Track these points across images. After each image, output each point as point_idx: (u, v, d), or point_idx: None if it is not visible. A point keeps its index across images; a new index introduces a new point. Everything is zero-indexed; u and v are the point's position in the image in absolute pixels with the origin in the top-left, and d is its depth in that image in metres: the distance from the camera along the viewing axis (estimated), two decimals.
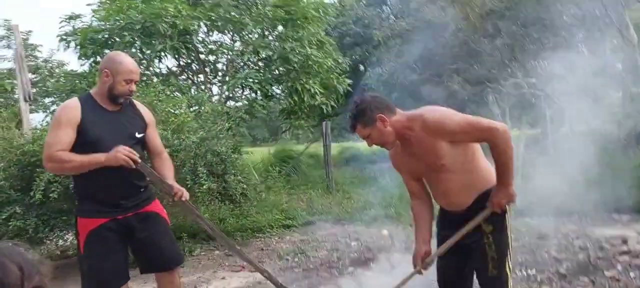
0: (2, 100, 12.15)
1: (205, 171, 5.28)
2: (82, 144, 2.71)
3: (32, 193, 4.64)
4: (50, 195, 4.60)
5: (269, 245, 6.37)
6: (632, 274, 4.15)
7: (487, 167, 2.55)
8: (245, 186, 6.46)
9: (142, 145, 2.99)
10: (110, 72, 2.78)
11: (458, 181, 2.48)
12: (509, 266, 2.57)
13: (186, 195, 2.88)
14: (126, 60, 2.86)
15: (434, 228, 2.71)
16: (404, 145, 2.54)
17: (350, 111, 2.53)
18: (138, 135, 2.92)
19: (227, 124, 6.54)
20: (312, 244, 6.24)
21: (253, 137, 22.13)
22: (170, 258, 3.05)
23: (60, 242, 5.26)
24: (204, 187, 5.18)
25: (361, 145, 23.13)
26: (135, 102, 3.06)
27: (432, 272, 2.70)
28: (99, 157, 2.67)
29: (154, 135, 3.08)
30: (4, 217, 4.67)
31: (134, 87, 2.87)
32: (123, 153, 2.64)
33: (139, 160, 2.71)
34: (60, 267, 5.74)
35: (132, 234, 2.90)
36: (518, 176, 7.63)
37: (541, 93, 12.13)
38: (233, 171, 6.16)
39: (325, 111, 9.84)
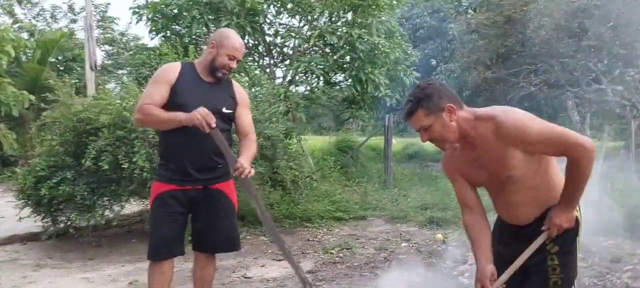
0: (78, 69, 12.74)
1: None
2: (170, 105, 2.81)
3: (83, 160, 4.70)
4: (100, 163, 4.64)
5: (316, 236, 6.17)
6: None
7: (561, 179, 2.13)
8: (296, 173, 6.30)
9: (230, 121, 3.01)
10: (216, 44, 2.88)
11: (525, 194, 2.11)
12: None
13: (249, 172, 2.75)
14: (233, 37, 2.94)
15: None
16: (464, 148, 2.15)
17: (410, 94, 2.13)
18: (225, 110, 2.92)
19: (283, 108, 6.38)
20: (361, 240, 5.97)
21: (319, 125, 22.11)
22: (222, 244, 3.09)
23: (107, 212, 5.30)
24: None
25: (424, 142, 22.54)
26: (234, 82, 3.13)
27: None
28: (179, 116, 2.73)
29: (244, 116, 3.06)
30: (55, 181, 4.76)
31: (234, 64, 2.92)
32: (201, 114, 2.64)
33: (214, 126, 2.68)
34: (107, 237, 5.87)
35: (194, 208, 2.94)
36: (595, 191, 6.99)
37: (628, 103, 11.12)
38: (285, 157, 6.01)
39: (388, 104, 9.49)
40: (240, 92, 3.09)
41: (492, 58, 11.72)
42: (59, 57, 12.84)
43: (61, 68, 12.87)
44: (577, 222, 2.13)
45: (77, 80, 6.22)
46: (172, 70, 2.91)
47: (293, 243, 5.76)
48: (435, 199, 8.08)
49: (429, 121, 2.05)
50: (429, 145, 20.19)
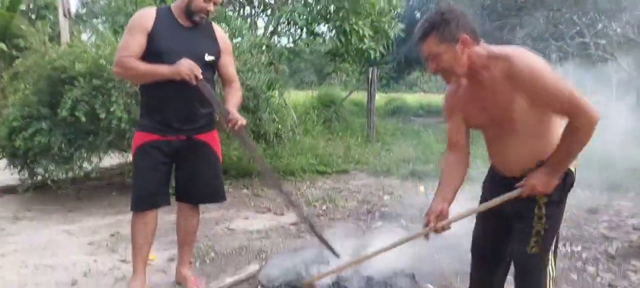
0: (51, 18, 12.27)
1: None
2: (149, 53, 2.69)
3: (59, 111, 4.54)
4: (76, 114, 4.50)
5: (299, 190, 6.15)
6: None
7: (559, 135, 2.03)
8: (279, 126, 6.23)
9: (213, 69, 2.90)
10: None
11: (523, 144, 2.03)
12: (555, 250, 2.16)
13: (242, 122, 2.69)
14: None
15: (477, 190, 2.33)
16: (471, 85, 2.07)
17: (427, 17, 2.00)
18: (208, 57, 2.81)
19: (265, 59, 6.23)
20: (344, 193, 5.98)
21: (301, 80, 21.88)
22: (206, 194, 3.05)
23: (85, 164, 5.18)
24: None
25: (409, 96, 22.53)
26: (215, 25, 2.97)
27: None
28: (162, 69, 2.64)
29: (228, 62, 2.95)
30: (30, 132, 4.60)
31: (212, 7, 2.77)
32: (186, 67, 2.58)
33: (201, 77, 2.61)
34: (87, 190, 5.77)
35: (178, 159, 2.89)
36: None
37: (610, 57, 11.18)
38: (267, 109, 5.92)
39: (372, 56, 9.35)
40: (223, 37, 2.95)
41: (477, 11, 11.59)
42: (31, 5, 12.32)
43: (33, 16, 12.37)
44: (571, 176, 2.07)
45: (51, 30, 5.96)
46: (147, 16, 2.76)
47: (276, 197, 5.74)
48: (418, 153, 8.11)
49: (440, 49, 1.96)
50: (412, 100, 20.21)
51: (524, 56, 1.90)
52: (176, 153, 2.85)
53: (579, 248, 4.00)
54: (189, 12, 2.74)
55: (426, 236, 2.13)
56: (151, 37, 2.70)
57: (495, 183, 2.21)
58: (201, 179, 2.95)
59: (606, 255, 3.90)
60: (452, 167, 2.16)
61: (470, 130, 2.21)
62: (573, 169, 2.08)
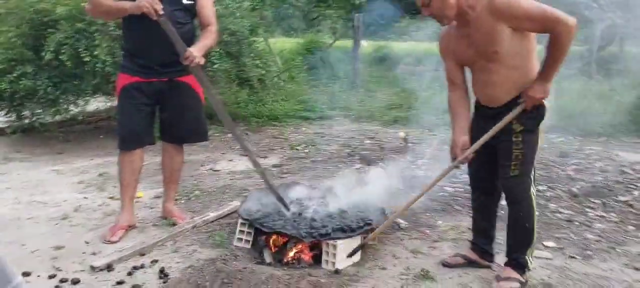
0: None
1: (218, 50, 5.11)
2: None
3: (43, 54, 4.60)
4: (61, 57, 4.56)
5: (283, 134, 6.31)
6: None
7: (536, 70, 2.33)
8: (263, 72, 6.32)
9: (192, 14, 2.98)
10: None
11: (505, 74, 2.31)
12: (534, 173, 2.47)
13: (199, 61, 2.76)
14: None
15: None
16: (460, 26, 2.38)
17: None
18: (185, 1, 2.88)
19: (248, 3, 6.25)
20: (326, 138, 6.15)
21: (289, 26, 21.63)
22: (189, 134, 3.19)
23: (72, 107, 5.28)
24: (216, 66, 5.04)
25: (396, 44, 22.44)
26: None
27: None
28: (126, 4, 2.72)
29: (205, 6, 3.00)
30: (15, 75, 4.68)
31: None
32: (144, 2, 2.62)
33: (162, 12, 2.66)
34: (75, 132, 5.88)
35: (161, 100, 2.99)
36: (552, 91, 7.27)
37: (595, 5, 11.23)
38: (251, 54, 5.99)
39: (357, 2, 9.33)
40: None
41: None
42: None
43: None
44: (543, 107, 2.35)
45: None
46: None
47: (260, 140, 5.91)
48: (401, 100, 8.25)
49: None
50: (399, 48, 20.05)
51: None
52: (159, 94, 2.97)
53: (544, 187, 4.24)
54: None
55: (457, 167, 2.50)
56: None
57: (483, 118, 2.49)
58: (184, 120, 3.09)
59: (569, 194, 4.14)
60: (458, 102, 2.51)
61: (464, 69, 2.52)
62: (545, 101, 2.35)
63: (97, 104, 6.05)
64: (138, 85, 2.93)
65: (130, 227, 3.13)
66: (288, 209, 2.96)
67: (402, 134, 6.36)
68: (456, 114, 2.51)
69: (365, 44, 19.27)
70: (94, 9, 2.87)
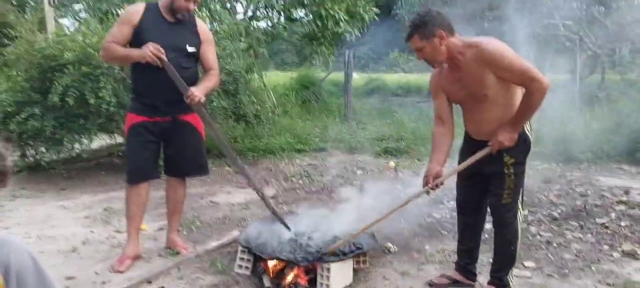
0: (33, 4, 12.34)
1: (217, 89, 5.38)
2: (136, 44, 3.03)
3: (50, 96, 4.86)
4: (67, 99, 4.82)
5: (278, 167, 6.55)
6: (623, 223, 4.17)
7: None
8: (258, 108, 6.60)
9: (196, 59, 3.25)
10: None
11: (495, 112, 2.56)
12: (521, 200, 2.75)
13: (199, 99, 3.03)
14: None
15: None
16: (451, 69, 2.62)
17: (411, 20, 2.59)
18: (188, 49, 3.16)
19: (244, 44, 6.57)
20: (319, 169, 6.40)
21: (282, 60, 22.09)
22: (190, 168, 3.45)
23: (76, 146, 5.52)
24: (214, 104, 5.31)
25: (388, 77, 22.93)
26: (198, 20, 3.30)
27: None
28: (132, 52, 3.02)
29: (208, 52, 3.27)
30: (23, 116, 4.92)
31: (192, 6, 3.10)
32: (150, 50, 2.90)
33: (165, 59, 2.94)
34: (77, 170, 6.10)
35: (165, 137, 3.24)
36: (535, 121, 7.58)
37: (576, 36, 11.69)
38: (247, 92, 6.28)
39: (348, 39, 9.72)
40: (204, 30, 3.30)
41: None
42: None
43: (14, 2, 12.43)
44: (528, 141, 2.65)
45: (38, 20, 6.21)
46: (135, 12, 3.09)
47: (256, 173, 6.14)
48: (391, 131, 8.53)
49: (422, 44, 2.52)
50: (391, 80, 20.53)
51: (491, 42, 2.50)
52: (163, 132, 3.23)
53: (526, 212, 4.49)
54: (172, 10, 3.10)
55: (427, 193, 2.74)
56: (139, 30, 3.05)
57: (470, 147, 2.78)
58: (186, 155, 3.34)
59: (550, 217, 4.40)
60: (441, 137, 2.76)
61: (453, 106, 2.81)
62: (531, 136, 2.68)
63: (100, 141, 6.29)
64: (144, 124, 3.18)
65: (137, 257, 3.33)
66: (288, 229, 3.20)
67: (391, 164, 6.64)
68: (437, 147, 2.75)
69: (357, 76, 19.73)
70: (106, 55, 3.16)
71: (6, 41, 6.00)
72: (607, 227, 4.11)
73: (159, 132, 3.22)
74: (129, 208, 3.30)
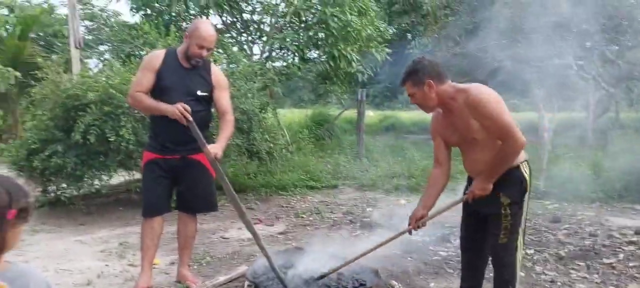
0: (59, 44, 12.87)
1: None
2: (156, 87, 3.31)
3: (72, 134, 5.11)
4: (88, 137, 5.06)
5: (289, 203, 6.69)
6: (631, 263, 4.18)
7: None
8: (271, 145, 6.79)
9: (208, 101, 3.44)
10: (188, 35, 3.33)
11: (487, 154, 2.64)
12: (520, 240, 2.82)
13: (215, 155, 3.18)
14: (202, 28, 3.32)
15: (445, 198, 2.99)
16: (445, 113, 2.78)
17: (406, 67, 2.77)
18: (199, 93, 3.37)
19: (259, 84, 6.81)
20: (330, 206, 6.51)
21: (299, 98, 22.44)
22: (200, 205, 3.62)
23: (96, 182, 5.74)
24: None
25: (403, 114, 23.13)
26: (213, 66, 3.52)
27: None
28: (162, 107, 3.24)
29: (221, 97, 3.47)
30: (47, 153, 5.16)
31: (205, 53, 3.33)
32: (179, 110, 3.15)
33: (191, 120, 3.16)
34: (96, 205, 6.31)
35: (176, 174, 3.44)
36: (546, 160, 7.63)
37: (588, 76, 11.76)
38: (260, 129, 6.48)
39: (360, 79, 9.95)
40: (217, 75, 3.50)
41: (461, 34, 12.21)
42: (40, 33, 12.95)
43: (41, 43, 12.99)
44: (525, 181, 2.74)
45: (64, 61, 6.54)
46: (156, 58, 3.36)
47: (268, 209, 6.29)
48: (403, 169, 8.63)
49: (413, 91, 2.71)
50: (405, 118, 20.66)
51: (479, 89, 2.62)
52: (174, 169, 3.42)
53: (532, 251, 4.53)
54: (187, 57, 3.33)
55: (410, 232, 2.90)
56: (158, 75, 3.31)
57: (470, 185, 2.88)
58: (197, 192, 3.51)
59: (556, 257, 4.42)
60: (435, 180, 2.89)
61: (451, 149, 2.94)
62: (527, 176, 2.76)
63: (119, 178, 6.51)
64: (157, 161, 3.40)
65: None
66: (282, 283, 3.19)
67: (402, 202, 6.72)
68: (428, 190, 2.89)
69: (372, 114, 19.96)
70: (135, 104, 3.45)
71: (33, 82, 6.31)
72: (614, 267, 4.13)
73: (170, 169, 3.42)
74: (143, 241, 3.47)
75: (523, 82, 11.63)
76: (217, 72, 3.53)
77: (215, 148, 3.21)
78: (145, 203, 3.47)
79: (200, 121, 3.30)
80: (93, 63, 11.85)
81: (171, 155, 3.38)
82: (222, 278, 3.68)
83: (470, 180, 2.92)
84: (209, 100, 3.45)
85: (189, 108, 3.16)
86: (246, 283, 3.26)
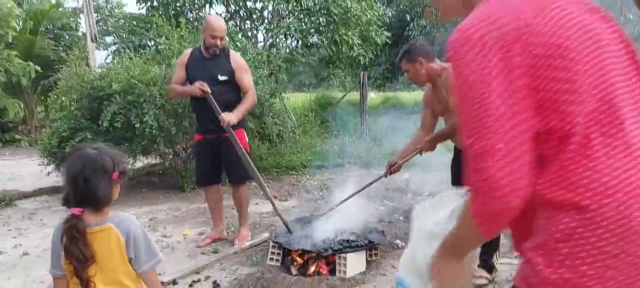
0: (67, 37, 13.30)
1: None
2: (187, 78, 3.98)
3: (100, 122, 5.57)
4: (115, 124, 5.52)
5: (300, 181, 7.17)
6: None
7: None
8: (281, 128, 7.25)
9: (230, 84, 3.95)
10: (203, 29, 3.97)
11: None
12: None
13: (228, 120, 3.73)
14: (212, 21, 3.92)
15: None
16: (434, 87, 3.31)
17: (402, 48, 3.33)
18: (220, 77, 3.93)
19: (267, 71, 7.25)
20: (337, 182, 6.97)
21: (300, 82, 22.82)
22: (240, 176, 4.21)
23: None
24: None
25: (405, 95, 23.49)
26: (232, 52, 4.08)
27: None
28: (187, 89, 3.93)
29: (242, 78, 4.03)
30: (77, 140, 5.62)
31: (218, 42, 3.88)
32: (196, 86, 3.78)
33: (207, 90, 3.75)
34: (122, 187, 6.78)
35: (218, 152, 4.03)
36: None
37: None
38: (270, 114, 6.93)
39: (362, 62, 10.36)
40: (237, 60, 4.03)
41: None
42: (49, 27, 13.35)
43: (50, 37, 13.40)
44: None
45: (85, 55, 6.97)
46: (185, 55, 4.06)
47: (280, 188, 6.76)
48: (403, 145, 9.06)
49: (407, 67, 3.26)
50: (407, 98, 20.90)
51: None
52: (214, 147, 4.02)
53: None
54: (205, 48, 3.92)
55: (385, 176, 3.62)
56: (187, 68, 3.96)
57: (455, 151, 3.44)
58: (231, 166, 4.10)
59: None
60: (417, 140, 3.50)
61: (438, 117, 3.50)
62: None
63: (138, 163, 6.97)
64: (200, 141, 4.11)
65: (218, 239, 4.29)
66: (291, 232, 3.86)
67: (405, 176, 7.18)
68: (408, 145, 3.55)
69: (374, 96, 20.35)
70: (171, 93, 4.24)
71: (49, 74, 6.72)
72: None
73: (211, 147, 4.03)
74: (208, 203, 4.32)
75: None
76: (237, 57, 4.06)
77: (229, 116, 3.75)
78: (196, 176, 4.31)
79: (223, 103, 3.83)
80: (99, 55, 12.28)
81: (211, 135, 3.97)
82: (247, 243, 4.16)
83: (455, 148, 3.41)
84: (231, 84, 3.95)
85: (206, 84, 3.74)
86: (271, 244, 3.74)
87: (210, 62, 3.91)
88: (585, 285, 0.98)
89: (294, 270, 3.54)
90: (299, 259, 3.55)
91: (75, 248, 1.73)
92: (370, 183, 3.86)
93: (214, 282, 3.41)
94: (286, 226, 3.94)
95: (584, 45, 1.02)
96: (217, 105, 3.76)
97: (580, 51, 1.01)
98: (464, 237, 1.20)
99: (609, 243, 0.97)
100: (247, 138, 4.21)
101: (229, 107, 3.84)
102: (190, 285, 3.40)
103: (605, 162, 0.99)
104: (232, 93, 3.99)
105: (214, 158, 4.08)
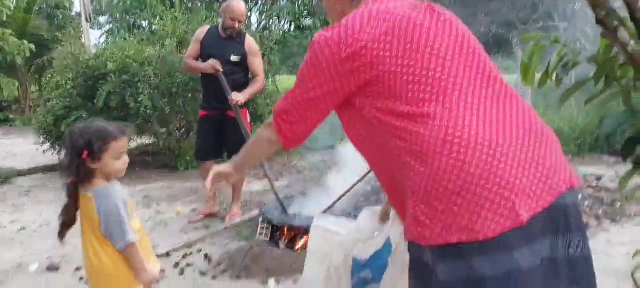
0: (61, 16, 13.27)
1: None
2: (202, 53, 4.13)
3: (95, 101, 5.69)
4: (110, 104, 5.64)
5: (291, 162, 7.33)
6: (586, 203, 4.85)
7: None
8: (272, 108, 7.39)
9: (241, 66, 4.15)
10: (223, 12, 4.15)
11: None
12: None
13: (236, 100, 3.94)
14: (233, 4, 4.05)
15: None
16: None
17: None
18: (232, 58, 4.09)
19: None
20: (328, 163, 7.13)
21: (294, 64, 22.86)
22: (233, 154, 4.21)
23: None
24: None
25: None
26: (247, 36, 4.27)
27: None
28: (201, 65, 4.08)
29: (253, 62, 4.24)
30: (72, 119, 5.74)
31: (237, 25, 4.07)
32: (209, 64, 3.96)
33: (219, 69, 3.92)
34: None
35: (220, 128, 4.22)
36: None
37: (572, 38, 12.29)
38: (262, 95, 7.06)
39: None
40: (250, 43, 4.23)
41: (451, 0, 12.67)
42: (43, 6, 13.31)
43: (44, 17, 13.36)
44: None
45: (79, 35, 7.05)
46: (201, 32, 4.24)
47: (272, 167, 6.91)
48: None
49: None
50: None
51: None
52: (217, 123, 4.21)
53: None
54: (224, 29, 4.09)
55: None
56: (202, 44, 4.15)
57: None
58: (234, 144, 4.15)
59: None
60: None
61: None
62: None
63: (132, 142, 7.10)
64: (205, 117, 4.29)
65: (211, 215, 4.45)
66: (286, 211, 3.99)
67: None
68: None
69: None
70: (185, 67, 4.41)
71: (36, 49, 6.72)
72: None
73: (215, 123, 4.22)
74: (204, 179, 4.22)
75: (508, 46, 12.19)
76: (251, 41, 4.25)
77: (239, 96, 3.94)
78: (197, 149, 4.45)
79: (234, 84, 4.02)
80: (93, 34, 12.31)
81: (214, 111, 4.15)
82: (238, 219, 4.34)
83: None
84: (242, 66, 4.14)
85: (219, 63, 3.90)
86: (260, 219, 3.91)
87: (225, 42, 4.11)
88: (440, 218, 1.22)
89: (281, 245, 3.72)
90: (286, 234, 3.72)
91: (65, 209, 2.03)
92: (358, 182, 3.93)
93: (206, 255, 3.58)
94: (282, 206, 4.05)
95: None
96: (226, 82, 3.95)
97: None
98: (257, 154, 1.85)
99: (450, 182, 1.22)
100: (249, 118, 4.42)
101: (237, 88, 4.02)
102: (183, 257, 3.58)
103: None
104: (241, 74, 4.19)
105: (216, 134, 4.25)
